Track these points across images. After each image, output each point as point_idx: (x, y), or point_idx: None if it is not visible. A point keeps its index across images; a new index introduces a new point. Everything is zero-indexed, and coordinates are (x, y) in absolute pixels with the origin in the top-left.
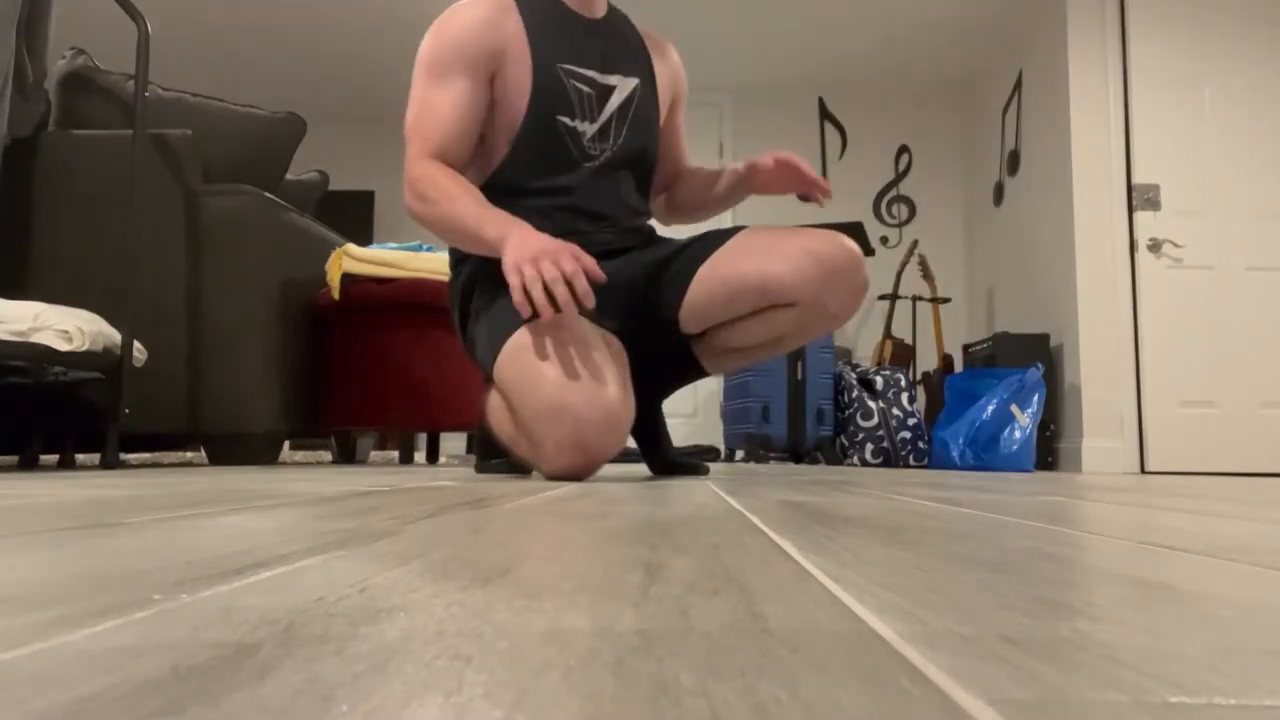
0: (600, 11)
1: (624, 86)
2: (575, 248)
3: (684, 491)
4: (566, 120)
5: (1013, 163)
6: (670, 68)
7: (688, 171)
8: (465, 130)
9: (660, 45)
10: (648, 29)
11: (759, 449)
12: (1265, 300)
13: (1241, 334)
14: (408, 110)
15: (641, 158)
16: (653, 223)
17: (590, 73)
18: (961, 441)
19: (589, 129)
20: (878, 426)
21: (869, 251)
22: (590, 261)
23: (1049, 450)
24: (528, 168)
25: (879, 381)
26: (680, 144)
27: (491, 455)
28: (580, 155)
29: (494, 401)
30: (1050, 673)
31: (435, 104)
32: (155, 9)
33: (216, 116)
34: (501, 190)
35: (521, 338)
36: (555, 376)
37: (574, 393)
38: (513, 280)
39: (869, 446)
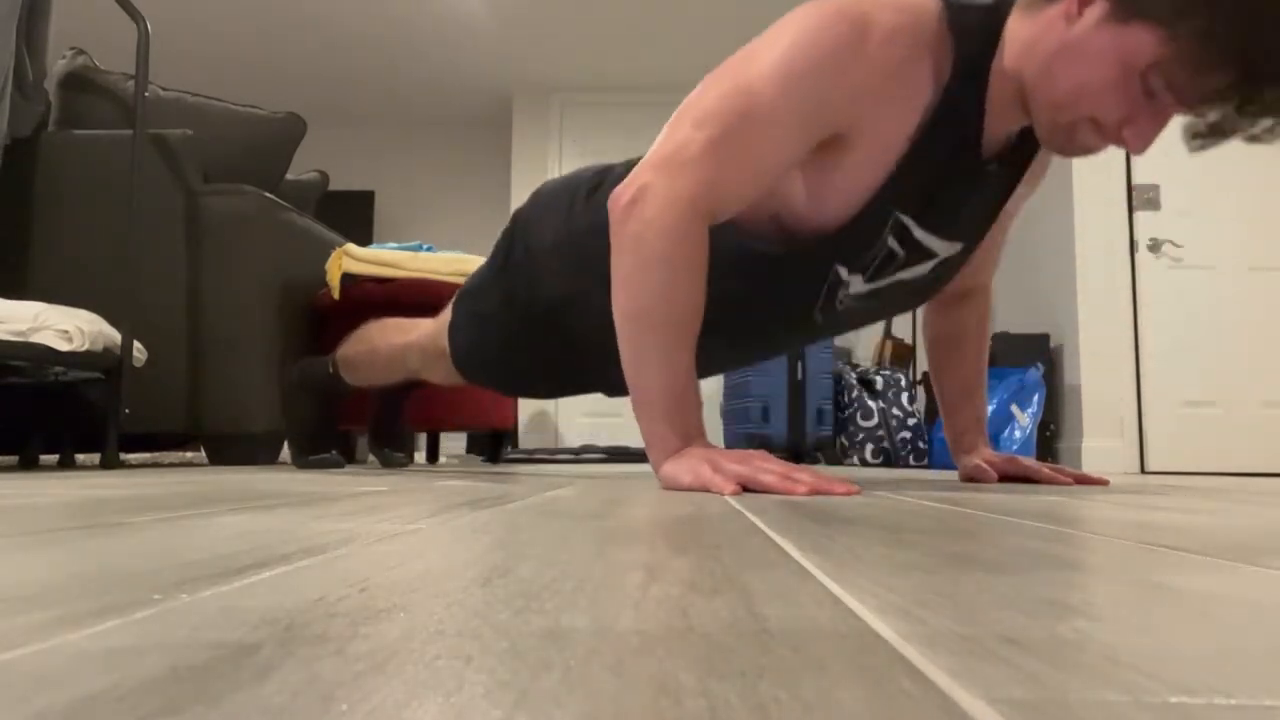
0: (1011, 128)
1: (940, 251)
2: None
3: (684, 492)
4: (843, 271)
5: None
6: (1030, 186)
7: (974, 315)
8: (761, 192)
9: (1045, 157)
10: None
11: (759, 449)
12: (1265, 300)
13: (1241, 334)
14: (719, 83)
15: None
16: None
17: (922, 234)
18: None
19: (858, 285)
20: (878, 426)
21: None
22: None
23: (1049, 450)
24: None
25: (879, 381)
26: (995, 253)
27: (312, 450)
28: (819, 304)
29: (368, 346)
30: (1050, 673)
31: (765, 133)
32: (155, 9)
33: (216, 116)
34: None
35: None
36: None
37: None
38: (684, 481)
39: (869, 446)
